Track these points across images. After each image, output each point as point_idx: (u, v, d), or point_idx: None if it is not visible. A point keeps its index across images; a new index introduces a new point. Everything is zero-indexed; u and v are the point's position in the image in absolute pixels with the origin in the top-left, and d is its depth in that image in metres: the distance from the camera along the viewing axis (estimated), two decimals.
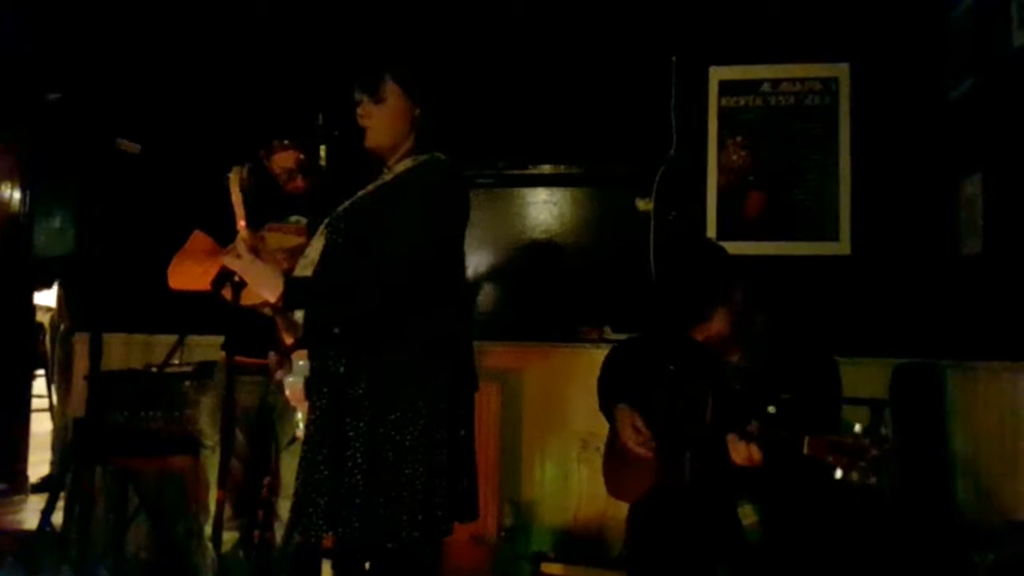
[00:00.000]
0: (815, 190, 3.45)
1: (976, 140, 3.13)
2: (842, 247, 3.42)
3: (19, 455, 4.64)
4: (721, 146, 3.54)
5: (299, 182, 2.54)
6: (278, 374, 1.96)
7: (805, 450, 1.86)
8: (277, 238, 2.46)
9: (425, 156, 1.97)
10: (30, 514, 4.02)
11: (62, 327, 4.99)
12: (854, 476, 1.78)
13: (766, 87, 3.52)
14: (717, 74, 3.56)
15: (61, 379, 4.82)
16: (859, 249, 3.40)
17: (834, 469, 1.80)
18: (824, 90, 3.47)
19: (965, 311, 3.14)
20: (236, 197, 1.92)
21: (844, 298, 3.36)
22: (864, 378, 2.96)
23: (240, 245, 1.90)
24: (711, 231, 3.50)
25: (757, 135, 3.51)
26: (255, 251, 1.87)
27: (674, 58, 3.55)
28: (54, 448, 4.74)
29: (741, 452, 2.00)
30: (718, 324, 2.15)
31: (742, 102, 3.53)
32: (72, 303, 4.86)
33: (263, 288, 1.87)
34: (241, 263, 1.89)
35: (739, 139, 3.52)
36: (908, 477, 3.00)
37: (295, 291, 1.85)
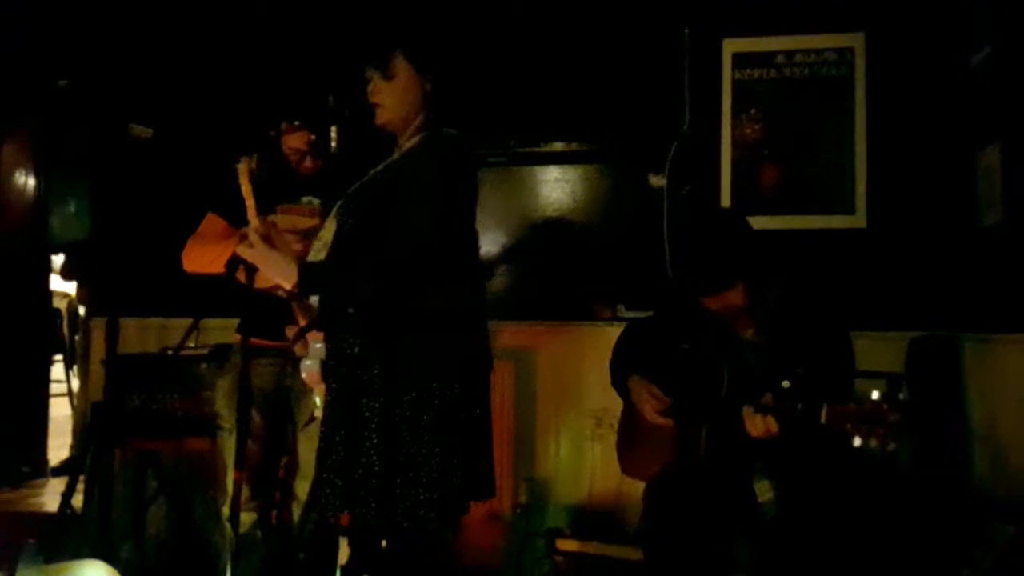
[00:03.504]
0: (831, 163, 3.41)
1: (995, 109, 3.08)
2: (858, 220, 3.38)
3: (39, 439, 4.70)
4: (735, 120, 3.50)
5: (311, 163, 2.54)
6: (298, 349, 1.96)
7: (823, 419, 1.85)
8: (290, 219, 2.46)
9: (432, 132, 1.96)
10: (51, 497, 4.07)
11: (81, 312, 5.03)
12: (872, 443, 1.76)
13: (780, 59, 3.47)
14: (731, 46, 3.51)
15: (82, 364, 4.86)
16: (875, 222, 3.36)
17: (852, 438, 1.78)
18: (839, 60, 3.42)
19: (984, 283, 3.10)
20: (246, 188, 1.91)
21: (860, 271, 3.33)
22: (881, 352, 2.95)
23: (251, 234, 1.90)
24: (726, 206, 3.47)
25: (772, 108, 3.47)
26: (267, 239, 1.86)
27: (687, 31, 3.51)
28: (75, 432, 4.79)
29: (758, 425, 1.98)
30: (736, 294, 2.13)
31: (756, 74, 3.49)
32: (87, 288, 4.90)
33: (277, 276, 1.87)
34: (253, 252, 1.89)
35: (753, 112, 3.48)
36: (925, 451, 2.99)
37: (309, 277, 1.85)
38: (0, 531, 3.28)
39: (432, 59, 1.99)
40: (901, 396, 1.76)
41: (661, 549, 2.29)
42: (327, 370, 1.91)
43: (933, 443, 3.01)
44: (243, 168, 1.88)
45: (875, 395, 1.79)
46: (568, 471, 3.42)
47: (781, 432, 1.97)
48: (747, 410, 2.00)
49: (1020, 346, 2.81)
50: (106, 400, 2.97)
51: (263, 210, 2.02)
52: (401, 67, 1.96)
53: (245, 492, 2.33)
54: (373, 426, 1.83)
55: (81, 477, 3.06)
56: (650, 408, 2.29)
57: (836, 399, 1.85)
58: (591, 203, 3.70)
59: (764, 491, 2.10)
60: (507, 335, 3.38)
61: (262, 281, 2.05)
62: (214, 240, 2.49)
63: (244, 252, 1.93)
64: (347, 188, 2.00)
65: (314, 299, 1.92)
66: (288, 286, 1.85)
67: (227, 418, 2.53)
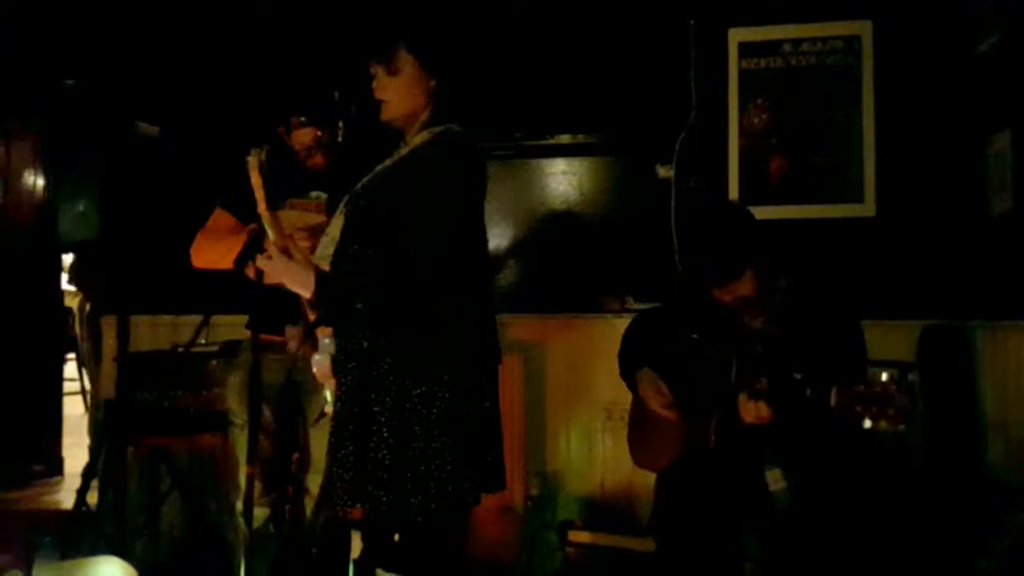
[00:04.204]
0: (839, 151, 3.39)
1: (1004, 95, 3.06)
2: (867, 209, 3.36)
3: (53, 438, 4.73)
4: (742, 110, 3.49)
5: (318, 158, 2.54)
6: (300, 349, 1.97)
7: (832, 402, 1.84)
8: (298, 215, 2.46)
9: (440, 128, 1.95)
10: (66, 495, 4.10)
11: (87, 309, 5.04)
12: (882, 425, 1.76)
13: (787, 48, 3.45)
14: (736, 36, 3.49)
15: (90, 362, 4.88)
16: (884, 210, 3.35)
17: (862, 420, 1.78)
18: (847, 49, 3.40)
19: (994, 270, 3.09)
20: (256, 181, 1.91)
21: (870, 260, 3.31)
22: (891, 341, 2.94)
23: (271, 248, 1.91)
24: (734, 196, 3.46)
25: (779, 97, 3.45)
26: (286, 251, 1.88)
27: (692, 21, 3.49)
28: (91, 431, 4.82)
29: (750, 411, 2.00)
30: (746, 285, 2.14)
31: (763, 64, 3.47)
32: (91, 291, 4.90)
33: (296, 286, 1.88)
34: (273, 265, 1.90)
35: (760, 102, 3.47)
36: (938, 440, 2.98)
37: (327, 287, 1.85)
38: (16, 529, 3.31)
39: (436, 53, 1.98)
40: (910, 377, 1.76)
41: (673, 540, 2.29)
42: (337, 365, 1.92)
43: (946, 432, 3.00)
44: (253, 161, 1.89)
45: (884, 376, 1.78)
46: (579, 463, 3.42)
47: (789, 420, 1.97)
48: (741, 396, 2.01)
49: None
50: (118, 398, 2.98)
51: (272, 203, 2.02)
52: (406, 62, 1.95)
53: (257, 487, 2.35)
54: (383, 420, 1.84)
55: (95, 474, 3.08)
56: (656, 403, 2.29)
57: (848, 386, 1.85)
58: (598, 195, 3.69)
59: (775, 480, 2.10)
60: (516, 328, 3.38)
61: (271, 277, 2.06)
62: (223, 235, 2.50)
63: (264, 265, 1.94)
64: (354, 183, 2.00)
65: None
66: (308, 295, 1.86)
67: (239, 414, 2.55)
